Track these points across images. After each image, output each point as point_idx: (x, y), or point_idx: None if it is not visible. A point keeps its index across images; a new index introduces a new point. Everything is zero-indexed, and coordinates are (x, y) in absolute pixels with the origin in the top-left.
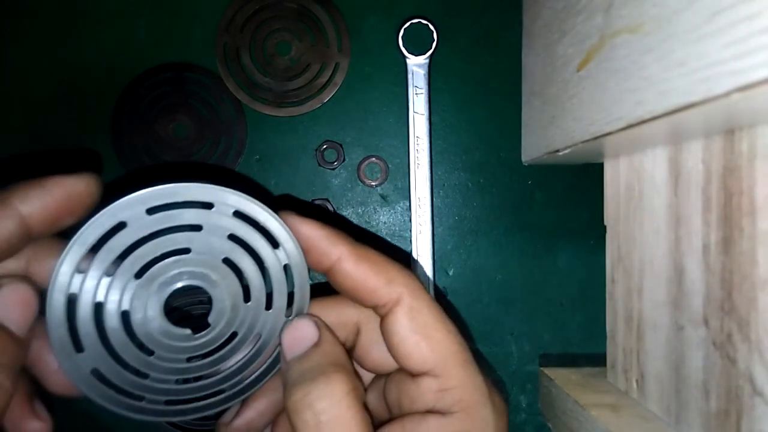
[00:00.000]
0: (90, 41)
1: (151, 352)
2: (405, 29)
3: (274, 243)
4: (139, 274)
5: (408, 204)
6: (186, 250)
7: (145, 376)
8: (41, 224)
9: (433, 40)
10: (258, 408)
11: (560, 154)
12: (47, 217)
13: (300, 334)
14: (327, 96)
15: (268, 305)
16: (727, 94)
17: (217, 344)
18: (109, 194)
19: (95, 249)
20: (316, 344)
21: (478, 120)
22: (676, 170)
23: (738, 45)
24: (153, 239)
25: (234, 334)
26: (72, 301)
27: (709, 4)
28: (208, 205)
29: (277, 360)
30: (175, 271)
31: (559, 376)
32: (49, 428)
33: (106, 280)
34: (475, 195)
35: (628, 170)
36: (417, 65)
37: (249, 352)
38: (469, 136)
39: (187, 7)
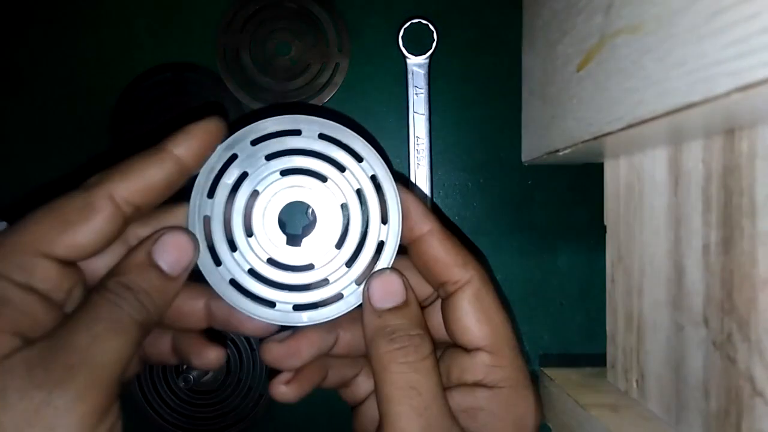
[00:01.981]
0: (90, 41)
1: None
2: (405, 29)
3: (359, 158)
4: (254, 194)
5: None
6: (292, 171)
7: (273, 284)
8: (191, 160)
9: (433, 40)
10: (310, 337)
11: (560, 154)
12: (193, 153)
13: (390, 289)
14: (327, 96)
15: (384, 219)
16: (727, 94)
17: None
18: None
19: (217, 179)
20: (406, 304)
21: (478, 120)
22: (676, 170)
23: (738, 45)
24: (260, 164)
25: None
26: (207, 222)
27: (709, 4)
28: (297, 132)
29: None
30: (286, 188)
31: (559, 376)
32: (224, 355)
33: (230, 203)
34: (474, 195)
35: (628, 170)
36: (417, 65)
37: (365, 259)
38: (469, 136)
39: (187, 7)
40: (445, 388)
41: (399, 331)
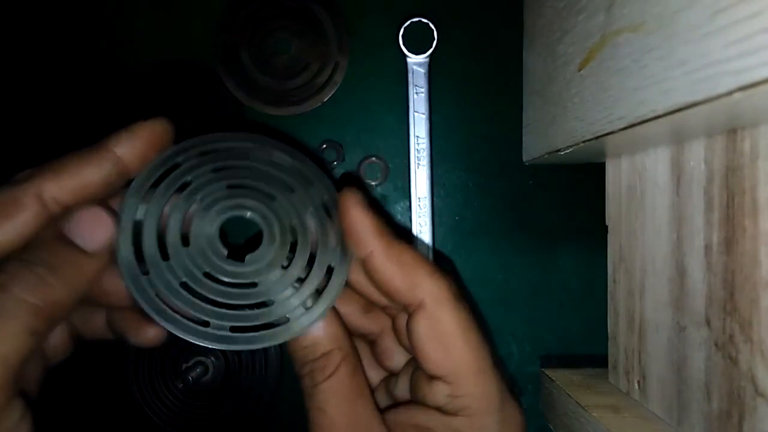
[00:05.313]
0: (88, 39)
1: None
2: (405, 28)
3: (309, 181)
4: (196, 203)
5: (408, 204)
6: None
7: (209, 301)
8: (132, 161)
9: (434, 39)
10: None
11: (561, 153)
12: (136, 155)
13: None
14: (326, 95)
15: (334, 244)
16: (729, 93)
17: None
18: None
19: (156, 185)
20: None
21: (478, 119)
22: (678, 170)
23: (740, 44)
24: (205, 175)
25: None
26: (138, 227)
27: (711, 3)
28: (248, 150)
29: (336, 293)
30: (231, 201)
31: (560, 377)
32: (164, 332)
33: (167, 209)
34: (475, 195)
35: (630, 170)
36: (417, 64)
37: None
38: (470, 136)
39: (185, 4)
40: (403, 403)
41: (305, 357)
